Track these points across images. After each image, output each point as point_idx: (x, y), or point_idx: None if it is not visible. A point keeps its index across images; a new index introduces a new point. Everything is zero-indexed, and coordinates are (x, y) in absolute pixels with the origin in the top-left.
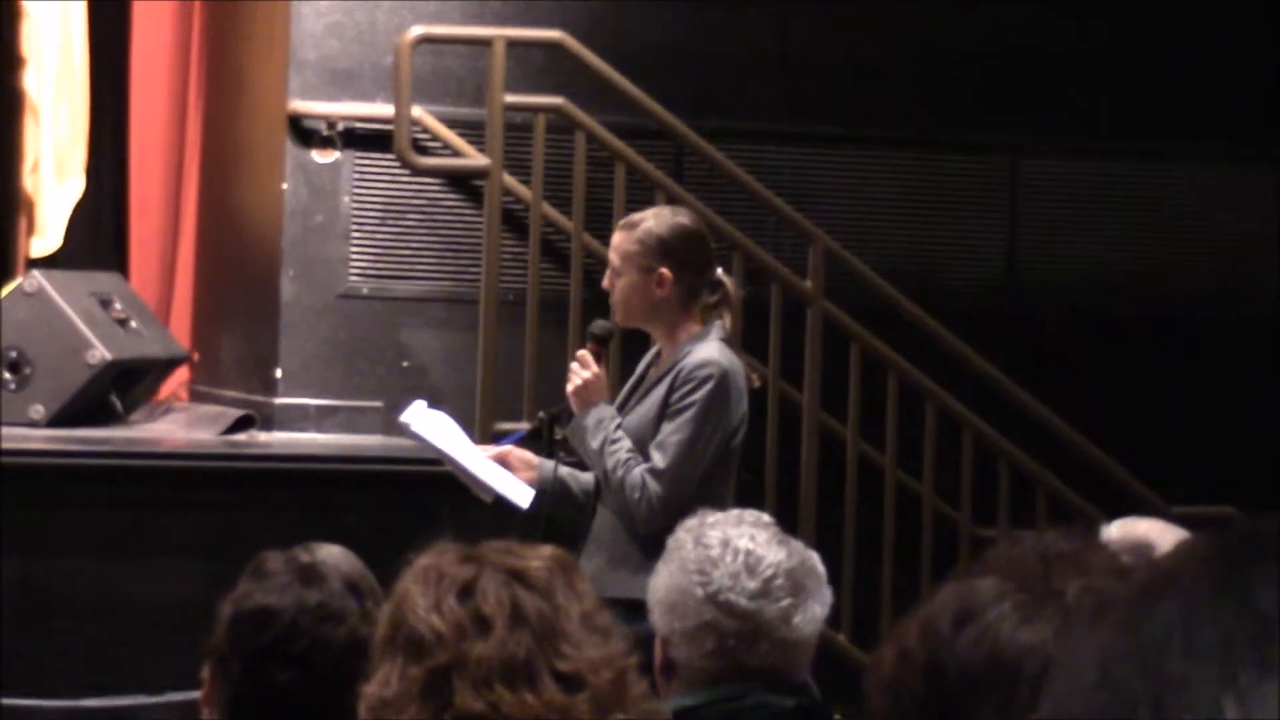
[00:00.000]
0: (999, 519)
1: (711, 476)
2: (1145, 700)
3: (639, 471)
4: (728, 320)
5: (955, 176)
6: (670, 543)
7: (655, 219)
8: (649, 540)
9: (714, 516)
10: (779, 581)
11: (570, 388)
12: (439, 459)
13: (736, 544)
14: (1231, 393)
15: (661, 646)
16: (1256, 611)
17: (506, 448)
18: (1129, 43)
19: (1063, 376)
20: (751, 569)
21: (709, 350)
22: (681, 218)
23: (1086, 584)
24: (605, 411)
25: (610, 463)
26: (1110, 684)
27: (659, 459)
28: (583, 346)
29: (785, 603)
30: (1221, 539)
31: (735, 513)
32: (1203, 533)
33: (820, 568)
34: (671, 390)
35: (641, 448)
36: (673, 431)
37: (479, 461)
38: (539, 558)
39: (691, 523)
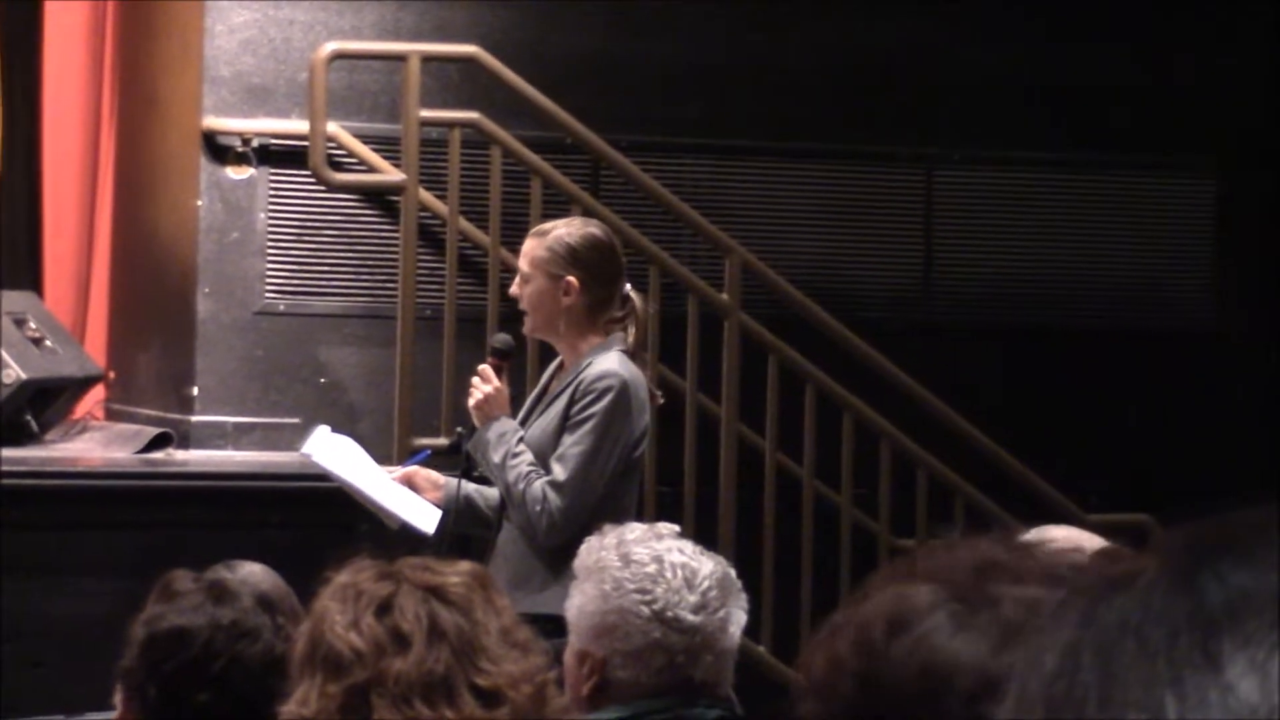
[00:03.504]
0: (917, 529)
1: (613, 489)
2: (1094, 692)
3: (540, 484)
4: (630, 333)
5: (870, 188)
6: (587, 562)
7: (566, 227)
8: (553, 555)
9: (630, 533)
10: (714, 593)
11: (471, 402)
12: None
13: (670, 559)
14: (1146, 401)
15: (596, 669)
16: (1206, 609)
17: (413, 468)
18: (1045, 53)
19: (979, 387)
20: (690, 582)
21: (609, 362)
22: (593, 228)
23: (1022, 594)
24: (507, 425)
25: (512, 476)
26: (1066, 674)
27: (559, 471)
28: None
29: (721, 613)
30: (1184, 534)
31: (646, 527)
32: (1174, 527)
33: (733, 573)
34: (572, 402)
35: (543, 460)
36: (573, 444)
37: (383, 488)
38: (457, 574)
39: (608, 541)
